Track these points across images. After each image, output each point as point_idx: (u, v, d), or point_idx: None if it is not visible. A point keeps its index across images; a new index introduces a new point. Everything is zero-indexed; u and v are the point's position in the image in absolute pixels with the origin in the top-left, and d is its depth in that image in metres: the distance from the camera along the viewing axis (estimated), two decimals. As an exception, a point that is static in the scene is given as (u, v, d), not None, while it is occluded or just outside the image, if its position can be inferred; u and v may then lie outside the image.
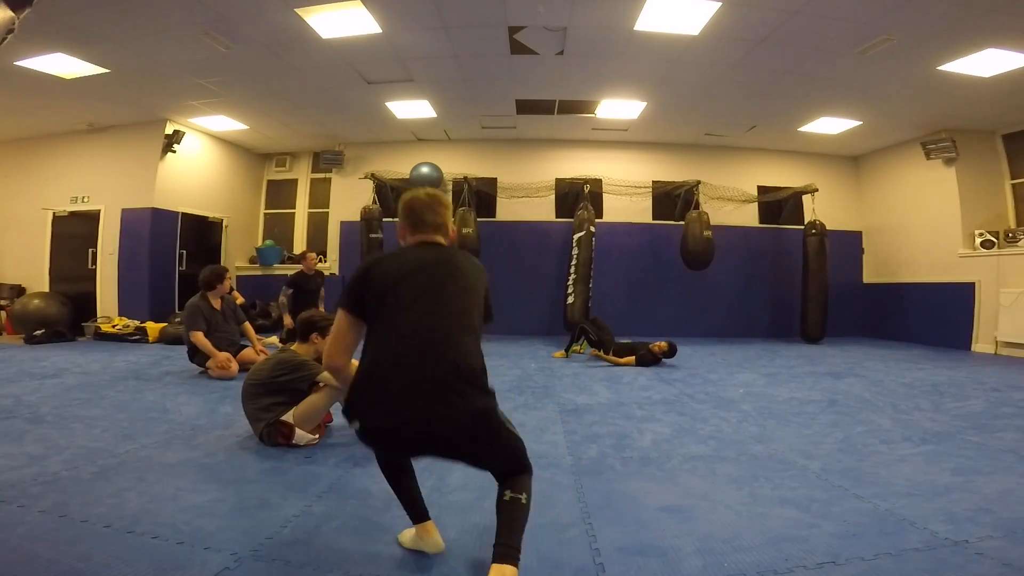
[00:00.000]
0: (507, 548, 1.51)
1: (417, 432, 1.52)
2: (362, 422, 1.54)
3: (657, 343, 5.77)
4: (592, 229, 7.88)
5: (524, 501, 1.59)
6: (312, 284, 6.63)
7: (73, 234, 8.09)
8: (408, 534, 1.75)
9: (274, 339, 6.51)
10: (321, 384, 2.87)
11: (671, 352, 5.70)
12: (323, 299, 6.77)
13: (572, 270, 7.83)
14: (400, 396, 1.50)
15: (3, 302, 7.71)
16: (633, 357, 5.69)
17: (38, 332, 6.86)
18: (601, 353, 6.10)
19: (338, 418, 3.16)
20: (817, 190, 8.24)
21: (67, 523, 1.84)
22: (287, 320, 6.25)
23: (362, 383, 1.56)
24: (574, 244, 7.87)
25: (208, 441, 2.84)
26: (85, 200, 8.04)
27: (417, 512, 1.71)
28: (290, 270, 9.27)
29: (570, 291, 7.78)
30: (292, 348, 2.94)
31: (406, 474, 1.74)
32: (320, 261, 9.30)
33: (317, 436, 2.83)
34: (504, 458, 1.65)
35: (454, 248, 1.81)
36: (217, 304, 5.02)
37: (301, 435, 2.73)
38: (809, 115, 7.42)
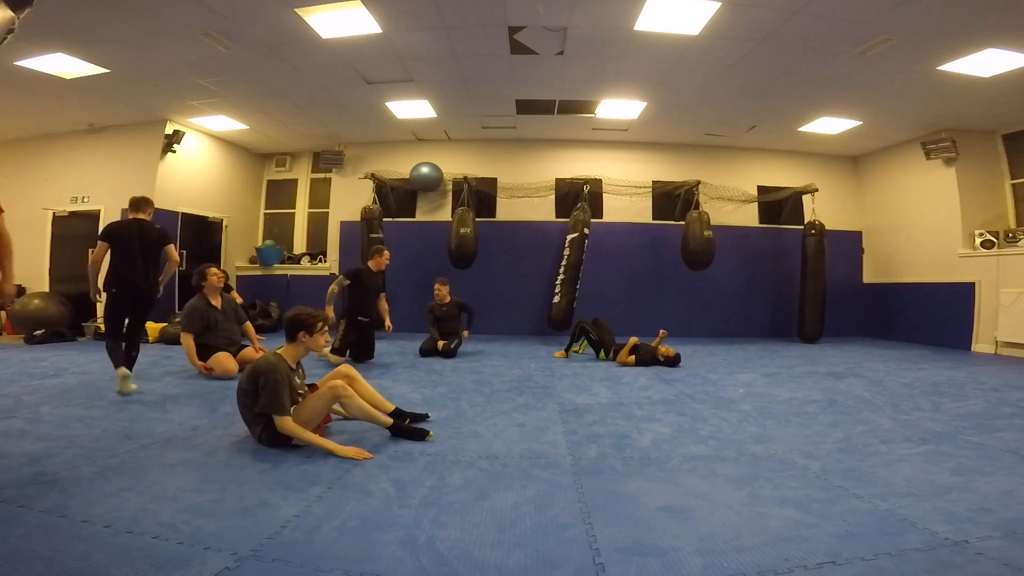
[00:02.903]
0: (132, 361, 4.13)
1: (134, 292, 4.08)
2: (117, 288, 4.03)
3: (665, 347, 5.76)
4: (586, 231, 7.92)
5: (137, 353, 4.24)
6: (375, 283, 5.71)
7: (73, 234, 8.09)
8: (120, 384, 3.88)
9: (327, 351, 5.42)
10: (317, 385, 2.87)
11: (675, 361, 5.68)
12: (387, 312, 5.93)
13: (561, 271, 7.90)
14: (130, 285, 4.06)
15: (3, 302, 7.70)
16: (633, 356, 5.68)
17: (38, 332, 6.86)
18: (602, 354, 6.11)
19: (339, 421, 3.17)
20: (817, 190, 8.25)
21: (67, 523, 1.84)
22: (330, 312, 5.09)
23: (116, 279, 4.04)
24: (566, 245, 7.93)
25: (208, 441, 2.83)
26: (85, 200, 8.04)
27: (121, 361, 3.96)
28: (290, 270, 9.32)
29: (557, 291, 7.88)
30: (279, 351, 2.91)
31: (120, 346, 4.04)
32: (320, 261, 9.32)
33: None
34: (144, 320, 4.34)
35: (148, 222, 4.28)
36: (217, 303, 5.02)
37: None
38: (809, 115, 7.42)
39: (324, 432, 2.96)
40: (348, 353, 5.58)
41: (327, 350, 5.40)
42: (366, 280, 5.59)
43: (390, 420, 2.97)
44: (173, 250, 4.38)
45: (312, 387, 3.05)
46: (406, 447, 2.79)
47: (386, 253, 5.86)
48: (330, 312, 5.13)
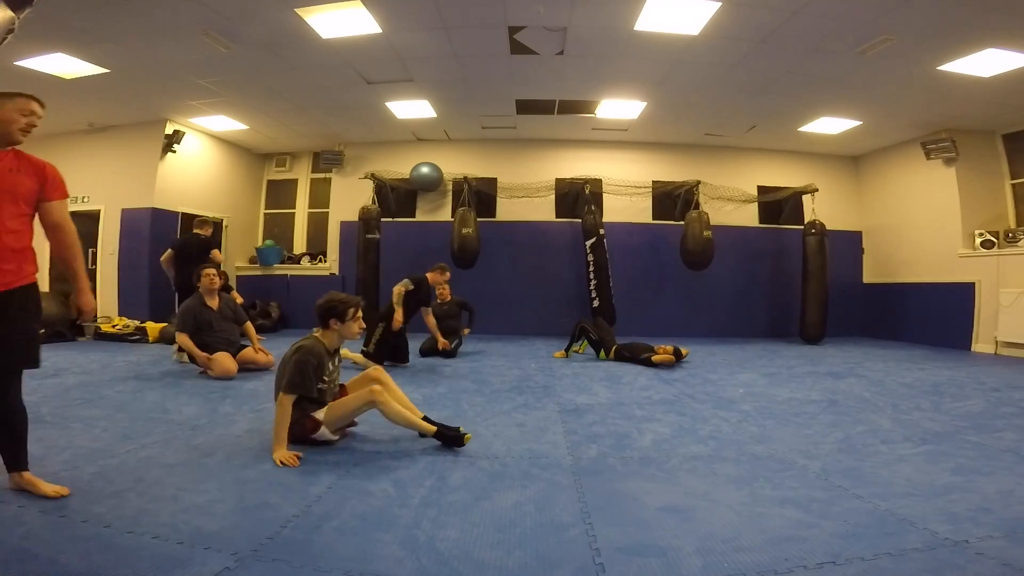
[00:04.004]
0: None
1: (186, 288, 5.34)
2: (175, 285, 5.94)
3: (663, 347, 5.75)
4: (602, 232, 8.03)
5: None
6: (428, 295, 5.69)
7: (73, 234, 8.07)
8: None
9: (358, 356, 5.29)
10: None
11: (677, 354, 5.68)
12: (435, 328, 5.97)
13: (592, 275, 8.00)
14: (182, 283, 5.62)
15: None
16: (663, 355, 5.59)
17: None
18: (602, 354, 6.11)
19: (359, 427, 3.09)
20: (817, 190, 8.23)
21: (67, 523, 1.84)
22: (400, 315, 5.20)
23: (174, 279, 5.93)
24: (588, 250, 8.03)
25: (208, 441, 2.83)
26: (85, 200, 8.03)
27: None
28: (290, 270, 9.31)
29: (594, 295, 7.98)
30: (316, 335, 2.87)
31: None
32: (320, 261, 9.32)
33: (338, 437, 2.80)
34: None
35: (197, 235, 6.00)
36: (214, 303, 5.00)
37: (324, 432, 2.71)
38: (809, 115, 7.41)
39: (349, 435, 2.92)
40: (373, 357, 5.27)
41: (358, 355, 5.25)
42: (422, 291, 5.51)
43: (433, 428, 2.79)
44: (216, 252, 5.86)
45: (342, 388, 3.01)
46: (405, 447, 2.79)
47: (448, 273, 5.84)
48: (400, 315, 5.17)
